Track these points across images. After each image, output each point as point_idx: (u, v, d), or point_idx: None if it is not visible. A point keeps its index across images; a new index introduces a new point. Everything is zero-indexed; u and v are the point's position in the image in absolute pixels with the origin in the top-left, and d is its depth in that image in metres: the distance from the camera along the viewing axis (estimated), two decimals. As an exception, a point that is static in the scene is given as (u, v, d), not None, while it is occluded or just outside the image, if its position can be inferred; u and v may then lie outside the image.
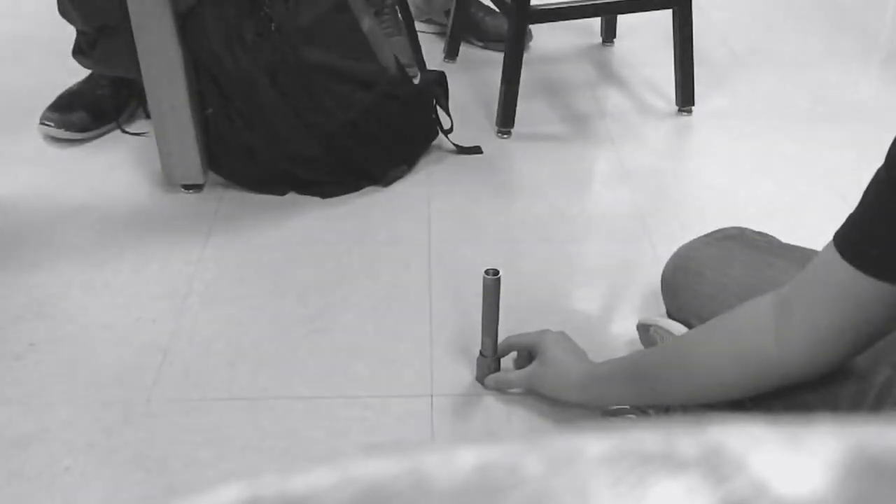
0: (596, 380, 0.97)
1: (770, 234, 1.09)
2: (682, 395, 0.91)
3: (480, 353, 1.08)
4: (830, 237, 0.75)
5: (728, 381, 0.85)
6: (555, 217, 1.44)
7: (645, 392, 0.93)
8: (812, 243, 1.02)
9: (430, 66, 1.64)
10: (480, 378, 1.09)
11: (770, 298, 0.81)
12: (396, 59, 1.55)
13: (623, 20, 2.05)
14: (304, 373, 1.12)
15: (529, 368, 1.04)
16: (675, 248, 1.11)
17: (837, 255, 0.72)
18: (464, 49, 1.97)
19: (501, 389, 1.08)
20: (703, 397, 0.90)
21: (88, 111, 1.63)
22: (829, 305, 0.74)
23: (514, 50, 1.61)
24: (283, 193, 1.48)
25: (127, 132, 1.66)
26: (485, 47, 1.98)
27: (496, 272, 1.01)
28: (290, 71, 1.40)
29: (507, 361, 1.12)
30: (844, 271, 0.72)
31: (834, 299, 0.74)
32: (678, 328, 1.03)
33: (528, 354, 1.08)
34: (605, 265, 1.34)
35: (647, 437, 0.15)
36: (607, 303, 1.27)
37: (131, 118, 1.70)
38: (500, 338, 1.08)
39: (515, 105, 1.65)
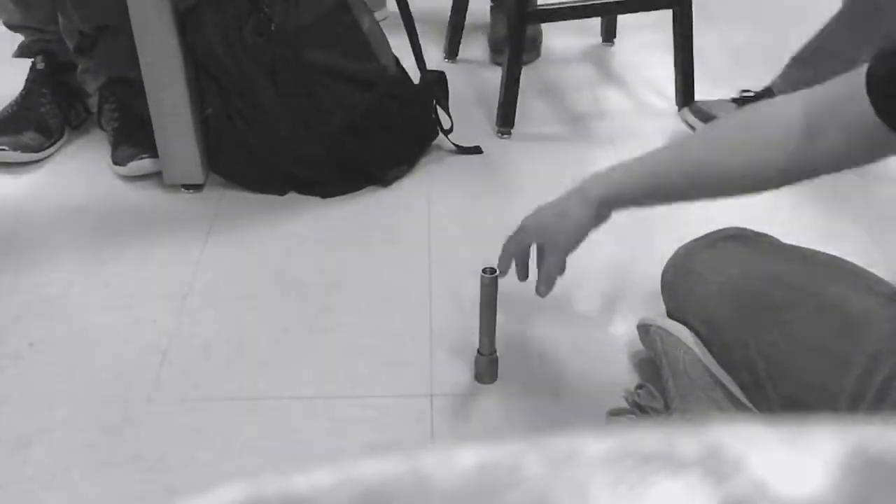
0: (615, 175, 0.95)
1: (770, 234, 1.09)
2: (716, 175, 0.91)
3: (478, 351, 1.08)
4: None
5: (750, 164, 0.84)
6: (555, 217, 1.44)
7: (692, 179, 0.92)
8: (812, 243, 1.02)
9: (430, 66, 1.64)
10: (479, 377, 1.09)
11: (801, 108, 0.80)
12: (396, 59, 1.55)
13: (623, 20, 2.05)
14: (305, 373, 1.12)
15: (547, 256, 0.99)
16: (675, 248, 1.11)
17: (868, 103, 0.72)
18: (464, 49, 1.97)
19: (552, 279, 1.00)
20: (729, 182, 0.90)
21: (38, 130, 1.58)
22: (851, 138, 0.76)
23: (514, 50, 1.61)
24: (283, 193, 1.48)
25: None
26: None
27: (493, 271, 1.01)
28: (290, 71, 1.40)
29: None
30: (869, 114, 0.72)
31: (856, 138, 0.75)
32: (678, 328, 1.04)
33: (525, 262, 1.04)
34: (605, 265, 1.34)
35: (647, 437, 0.15)
36: (607, 303, 1.27)
37: (81, 124, 1.67)
38: (498, 335, 1.08)
39: (515, 105, 1.65)
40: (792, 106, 0.81)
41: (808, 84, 0.77)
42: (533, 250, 1.03)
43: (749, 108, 0.87)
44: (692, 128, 1.64)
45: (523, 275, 1.05)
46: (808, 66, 1.52)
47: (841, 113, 0.76)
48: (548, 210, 0.98)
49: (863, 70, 0.73)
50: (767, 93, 1.56)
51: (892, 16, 1.41)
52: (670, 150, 0.94)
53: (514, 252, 1.02)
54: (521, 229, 1.01)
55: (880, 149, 0.75)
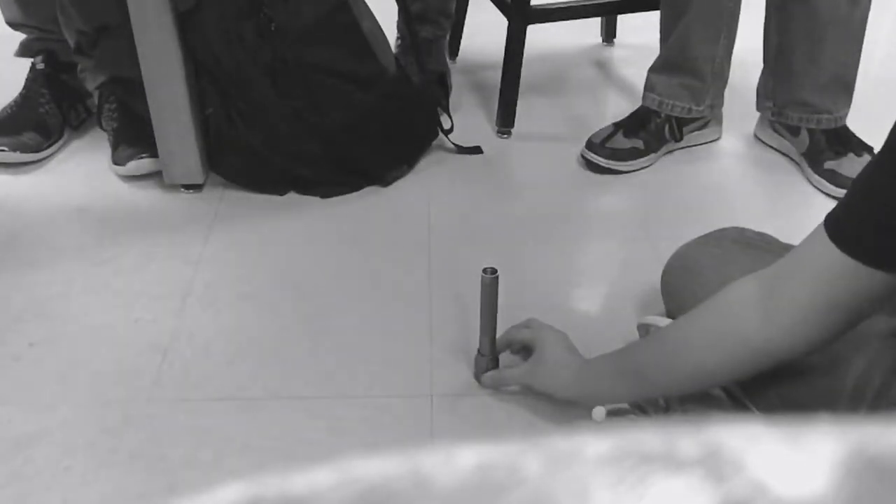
0: (589, 375, 0.97)
1: (770, 234, 1.09)
2: (672, 383, 0.91)
3: (478, 351, 1.08)
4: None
5: (716, 365, 0.85)
6: (555, 217, 1.44)
7: (636, 384, 0.93)
8: (812, 243, 1.02)
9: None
10: (478, 376, 1.09)
11: (755, 279, 0.81)
12: (396, 58, 1.55)
13: (623, 20, 2.05)
14: (304, 373, 1.12)
15: (526, 365, 1.04)
16: (674, 249, 1.11)
17: (826, 237, 0.73)
18: (464, 49, 1.97)
19: (498, 387, 1.08)
20: (693, 384, 0.91)
21: (37, 130, 1.57)
22: (815, 286, 0.75)
23: (514, 50, 1.61)
24: (283, 193, 1.48)
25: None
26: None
27: (494, 271, 1.02)
28: (290, 71, 1.40)
29: (506, 360, 1.11)
30: (831, 253, 0.73)
31: (820, 280, 0.75)
32: (678, 328, 1.03)
33: (523, 348, 1.08)
34: (605, 265, 1.34)
35: (647, 437, 0.15)
36: (607, 303, 1.27)
37: (81, 125, 1.67)
38: (498, 336, 1.08)
39: (515, 105, 1.65)
40: (746, 286, 0.82)
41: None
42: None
43: (703, 312, 0.87)
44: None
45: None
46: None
47: (800, 265, 0.78)
48: (557, 348, 1.02)
49: (816, 230, 0.76)
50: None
51: None
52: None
53: (509, 340, 1.09)
54: (527, 329, 1.07)
55: (846, 287, 0.74)
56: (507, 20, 1.61)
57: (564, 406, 1.03)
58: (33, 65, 1.64)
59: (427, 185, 1.51)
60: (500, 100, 1.65)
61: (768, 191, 1.52)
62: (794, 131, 1.54)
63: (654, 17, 1.72)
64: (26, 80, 1.64)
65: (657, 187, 1.52)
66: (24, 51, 1.66)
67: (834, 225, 0.74)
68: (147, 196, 1.48)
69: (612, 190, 1.51)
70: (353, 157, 1.48)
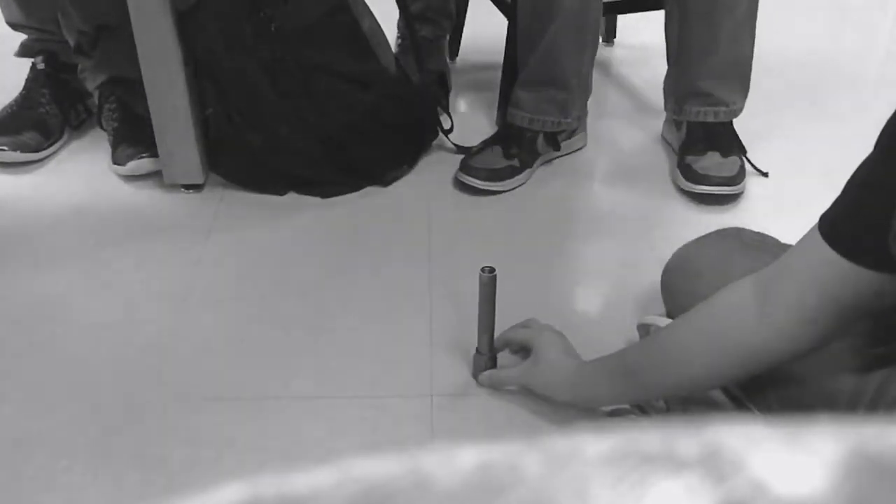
0: (585, 377, 0.97)
1: (769, 234, 1.09)
2: (669, 385, 0.91)
3: (477, 350, 1.08)
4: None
5: (712, 367, 0.85)
6: (555, 217, 1.44)
7: (632, 386, 0.93)
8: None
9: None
10: (476, 375, 1.09)
11: (751, 281, 0.81)
12: (396, 58, 1.55)
13: (623, 20, 2.05)
14: (304, 373, 1.12)
15: (524, 366, 1.04)
16: (674, 249, 1.11)
17: (820, 238, 0.73)
18: (464, 49, 1.97)
19: (495, 386, 1.08)
20: (689, 386, 0.91)
21: (37, 130, 1.58)
22: (810, 287, 0.75)
23: (514, 50, 1.60)
24: (283, 193, 1.48)
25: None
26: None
27: (492, 270, 1.02)
28: (289, 71, 1.40)
29: (505, 359, 1.11)
30: (826, 254, 0.72)
31: (815, 281, 0.75)
32: (678, 328, 1.03)
33: (521, 348, 1.08)
34: (605, 265, 1.34)
35: (647, 436, 0.15)
36: (607, 303, 1.27)
37: (81, 125, 1.67)
38: (498, 335, 1.08)
39: (515, 105, 1.65)
40: (741, 288, 0.82)
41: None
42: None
43: (699, 314, 0.87)
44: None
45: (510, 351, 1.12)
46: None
47: (795, 266, 0.77)
48: (554, 349, 1.02)
49: (811, 231, 0.76)
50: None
51: None
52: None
53: (508, 340, 1.09)
54: (526, 329, 1.07)
55: (841, 287, 0.73)
56: (507, 20, 1.61)
57: (565, 405, 1.03)
58: (34, 65, 1.64)
59: (427, 185, 1.51)
60: (500, 100, 1.65)
61: (768, 190, 1.52)
62: (679, 126, 1.55)
63: (654, 16, 1.73)
64: (27, 79, 1.64)
65: (657, 187, 1.52)
66: (24, 51, 1.67)
67: (828, 225, 0.74)
68: (147, 196, 1.48)
69: (611, 189, 1.51)
70: (353, 157, 1.48)
